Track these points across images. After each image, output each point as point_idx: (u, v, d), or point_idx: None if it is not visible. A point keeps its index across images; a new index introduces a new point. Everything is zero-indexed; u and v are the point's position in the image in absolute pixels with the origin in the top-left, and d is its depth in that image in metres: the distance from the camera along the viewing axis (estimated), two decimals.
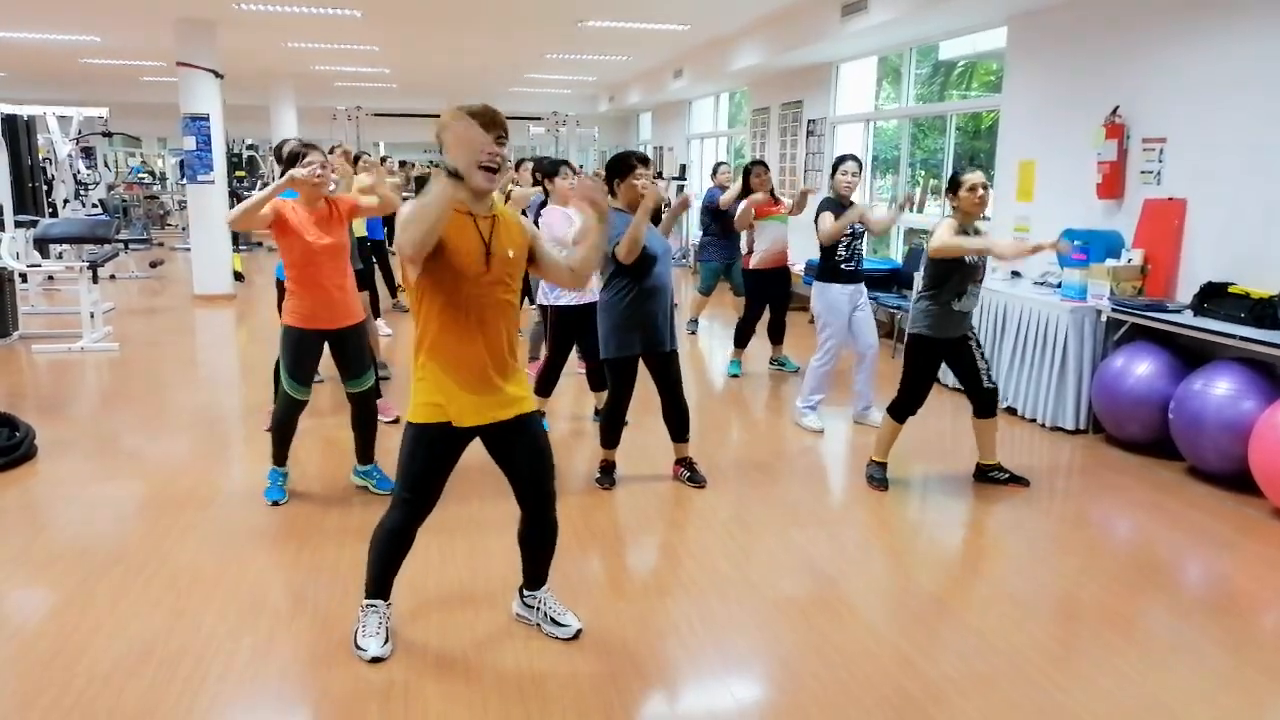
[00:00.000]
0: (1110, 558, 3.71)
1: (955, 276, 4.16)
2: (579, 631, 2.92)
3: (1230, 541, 3.91)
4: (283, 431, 4.08)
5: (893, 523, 4.06)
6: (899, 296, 7.70)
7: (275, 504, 4.06)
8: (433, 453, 2.62)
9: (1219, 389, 4.50)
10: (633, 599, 3.26)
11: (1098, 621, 3.15)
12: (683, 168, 15.57)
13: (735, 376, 6.79)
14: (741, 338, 6.85)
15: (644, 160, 4.04)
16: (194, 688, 2.64)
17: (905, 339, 4.39)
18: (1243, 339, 4.45)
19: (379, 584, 2.84)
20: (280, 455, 4.14)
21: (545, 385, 4.99)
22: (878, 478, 4.47)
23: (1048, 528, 4.00)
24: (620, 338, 4.12)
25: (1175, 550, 3.83)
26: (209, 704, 2.57)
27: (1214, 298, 4.86)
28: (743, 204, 6.62)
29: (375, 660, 2.76)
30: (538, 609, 2.96)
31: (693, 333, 8.46)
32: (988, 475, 4.52)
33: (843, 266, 5.31)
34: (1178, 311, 5.02)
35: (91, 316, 7.48)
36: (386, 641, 2.82)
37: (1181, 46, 5.39)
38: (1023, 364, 5.70)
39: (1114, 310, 5.26)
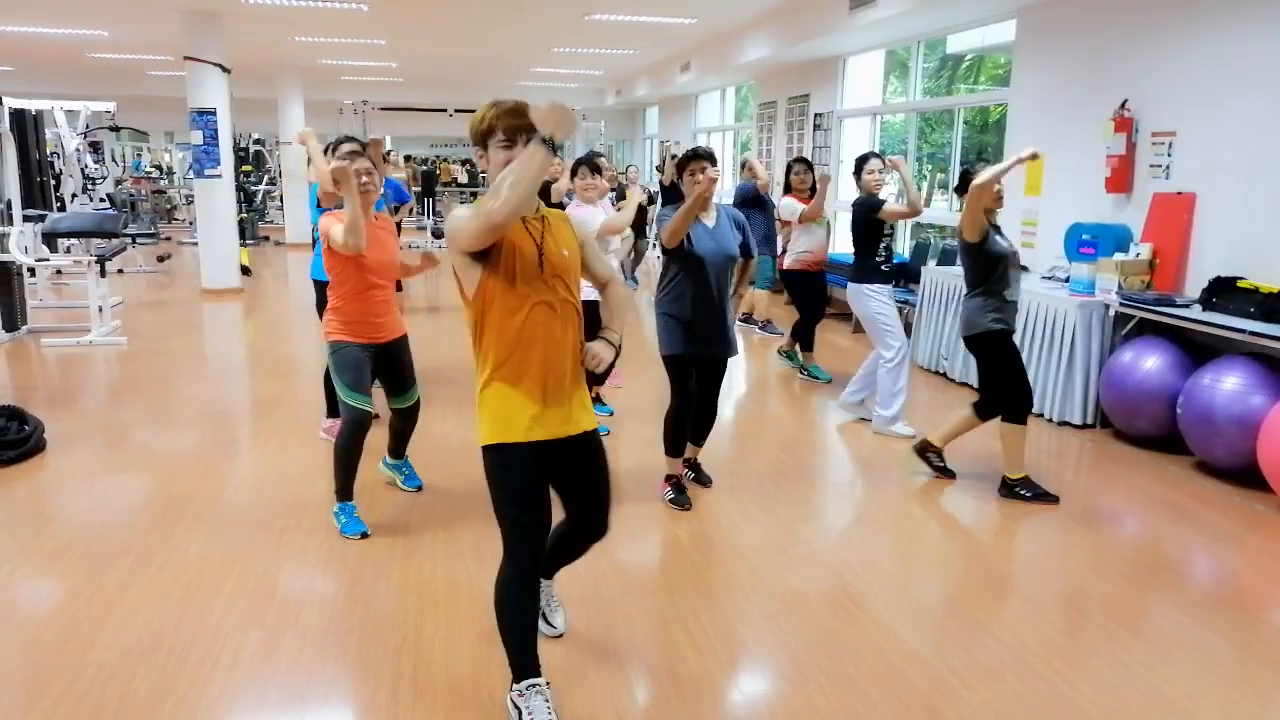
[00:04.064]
0: (1117, 552, 3.70)
1: (999, 266, 4.05)
2: (560, 635, 2.82)
3: (1238, 536, 3.90)
4: (347, 458, 3.68)
5: (900, 518, 4.06)
6: (906, 291, 7.68)
7: (364, 536, 3.66)
8: (514, 477, 2.36)
9: (1228, 384, 4.48)
10: (640, 593, 3.27)
11: (1104, 616, 3.15)
12: None
13: (820, 379, 6.52)
14: (805, 341, 6.66)
15: (708, 156, 3.98)
16: (203, 677, 2.66)
17: (975, 341, 4.16)
18: (1252, 334, 4.44)
19: (521, 658, 2.45)
20: (346, 488, 3.72)
21: None
22: (1030, 493, 4.20)
23: (1055, 522, 3.99)
24: (667, 334, 4.03)
25: (1182, 545, 3.82)
26: (218, 693, 2.59)
27: (1223, 292, 4.84)
28: (790, 208, 6.45)
29: None
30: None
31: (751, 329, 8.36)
32: (925, 454, 4.54)
33: (882, 266, 5.28)
34: (1186, 306, 5.01)
35: (100, 310, 7.51)
36: None
37: (1191, 40, 5.37)
38: (1030, 358, 5.69)
39: (1122, 305, 5.24)
